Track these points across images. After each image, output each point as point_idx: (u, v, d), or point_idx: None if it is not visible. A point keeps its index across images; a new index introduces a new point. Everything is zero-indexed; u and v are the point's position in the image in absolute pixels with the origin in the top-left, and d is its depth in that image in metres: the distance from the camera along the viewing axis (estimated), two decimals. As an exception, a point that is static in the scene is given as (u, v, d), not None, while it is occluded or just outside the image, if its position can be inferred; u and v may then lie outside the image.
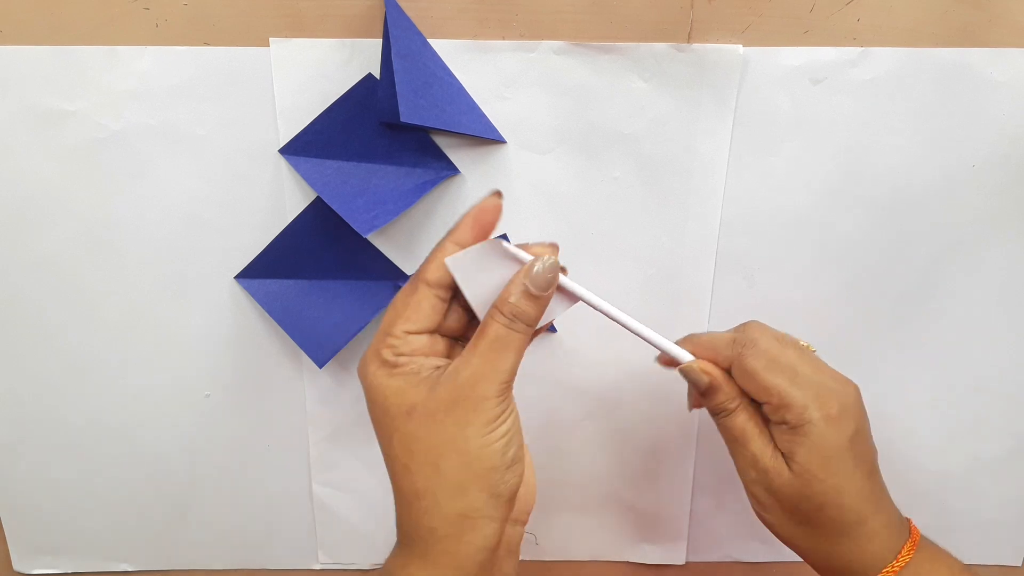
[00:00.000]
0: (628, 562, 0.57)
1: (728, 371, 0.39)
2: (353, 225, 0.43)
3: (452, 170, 0.46)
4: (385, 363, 0.34)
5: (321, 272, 0.48)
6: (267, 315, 0.49)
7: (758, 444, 0.39)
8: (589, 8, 0.43)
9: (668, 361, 0.40)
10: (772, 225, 0.48)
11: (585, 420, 0.52)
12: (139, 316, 0.49)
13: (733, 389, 0.39)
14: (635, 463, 0.53)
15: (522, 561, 0.54)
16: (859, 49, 0.44)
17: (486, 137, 0.45)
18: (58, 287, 0.48)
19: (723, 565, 0.57)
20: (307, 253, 0.48)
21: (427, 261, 0.34)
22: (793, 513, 0.39)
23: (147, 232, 0.47)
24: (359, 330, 0.48)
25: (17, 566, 0.56)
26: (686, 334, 0.41)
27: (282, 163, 0.46)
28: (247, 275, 0.48)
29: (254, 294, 0.48)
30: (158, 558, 0.56)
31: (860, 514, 0.38)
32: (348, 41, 0.43)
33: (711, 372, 0.39)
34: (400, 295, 0.35)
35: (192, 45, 0.43)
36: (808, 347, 0.40)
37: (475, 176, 0.46)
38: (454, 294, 0.35)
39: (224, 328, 0.50)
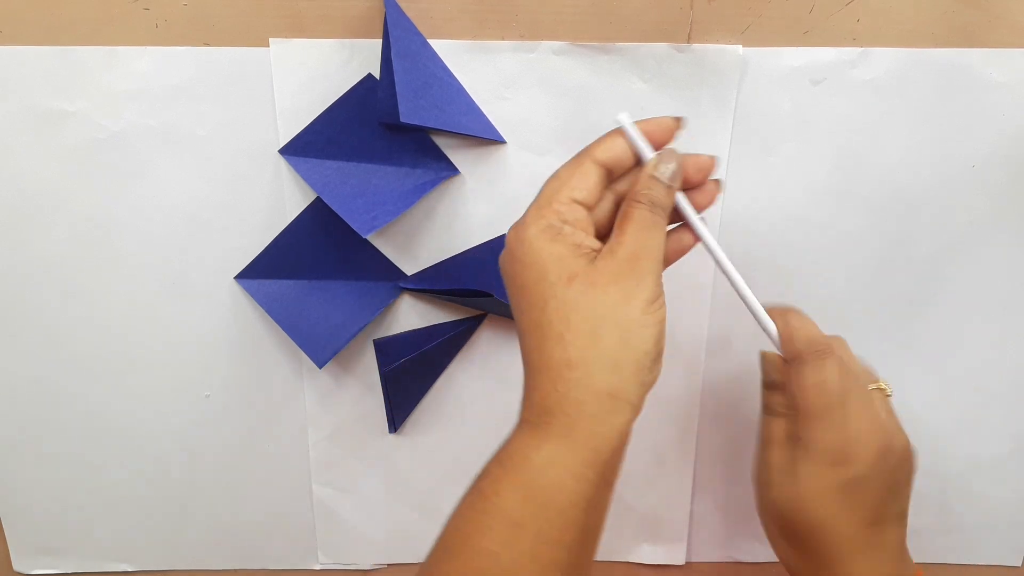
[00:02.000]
0: (628, 562, 0.57)
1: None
2: (353, 225, 0.43)
3: (452, 170, 0.46)
4: (549, 227, 0.33)
5: (321, 272, 0.48)
6: (267, 315, 0.49)
7: (778, 454, 0.39)
8: (589, 8, 0.43)
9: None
10: (772, 225, 0.48)
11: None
12: (139, 316, 0.49)
13: (790, 397, 0.39)
14: (635, 463, 0.53)
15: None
16: (859, 49, 0.44)
17: (486, 137, 0.45)
18: (58, 287, 0.48)
19: (723, 565, 0.57)
20: (307, 253, 0.48)
21: (597, 141, 0.36)
22: (785, 530, 0.39)
23: (147, 232, 0.47)
24: (359, 330, 0.48)
25: (17, 566, 0.56)
26: (786, 307, 0.41)
27: (282, 163, 0.46)
28: (247, 275, 0.48)
29: (254, 294, 0.48)
30: (158, 558, 0.56)
31: (841, 555, 0.37)
32: (348, 41, 0.43)
33: (780, 374, 0.39)
34: (564, 169, 0.35)
35: (192, 45, 0.44)
36: (885, 389, 0.40)
37: (475, 176, 0.46)
38: (609, 184, 0.36)
39: (224, 328, 0.50)
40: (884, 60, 0.44)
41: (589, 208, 0.35)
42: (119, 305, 0.49)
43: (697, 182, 0.37)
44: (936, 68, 0.44)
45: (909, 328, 0.50)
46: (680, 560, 0.56)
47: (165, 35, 0.43)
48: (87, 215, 0.47)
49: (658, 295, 0.33)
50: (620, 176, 0.36)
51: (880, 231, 0.48)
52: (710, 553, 0.57)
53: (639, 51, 0.44)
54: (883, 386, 0.40)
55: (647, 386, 0.34)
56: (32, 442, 0.52)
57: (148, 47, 0.43)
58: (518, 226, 0.34)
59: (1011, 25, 0.44)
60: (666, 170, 0.35)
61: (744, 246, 0.48)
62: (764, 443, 0.40)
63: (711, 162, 0.37)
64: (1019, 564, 0.57)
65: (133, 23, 0.43)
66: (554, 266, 0.33)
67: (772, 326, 0.40)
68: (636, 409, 0.33)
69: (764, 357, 0.41)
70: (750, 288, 0.39)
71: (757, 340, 0.51)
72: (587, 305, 0.32)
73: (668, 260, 0.38)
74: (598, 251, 0.34)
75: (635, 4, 0.43)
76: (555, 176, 0.35)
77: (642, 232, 0.33)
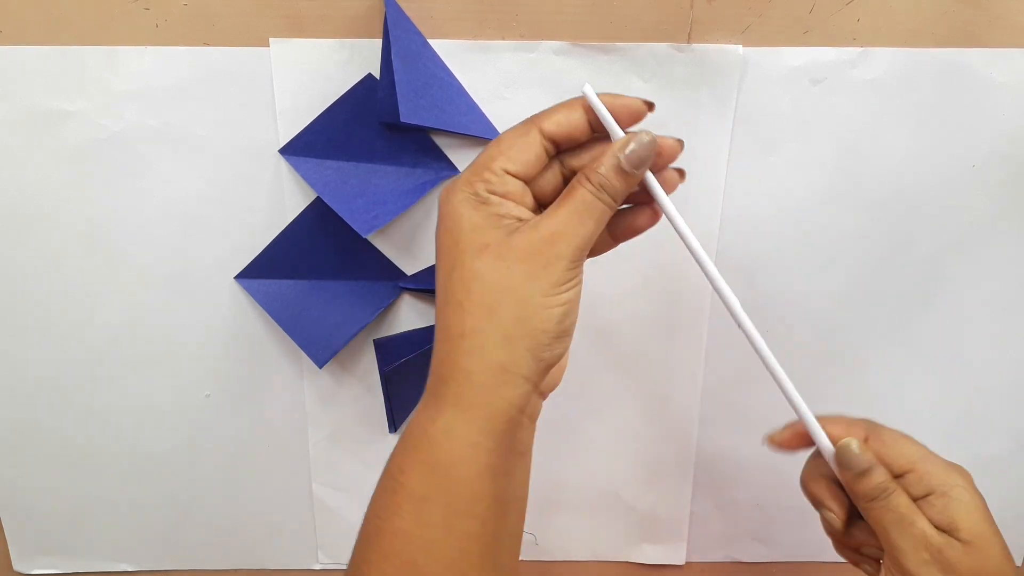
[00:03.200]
0: (628, 562, 0.57)
1: None
2: (353, 225, 0.43)
3: (452, 170, 0.46)
4: (475, 195, 0.32)
5: (321, 272, 0.48)
6: (267, 315, 0.49)
7: (924, 522, 0.35)
8: (589, 8, 0.43)
9: (789, 441, 0.38)
10: (772, 225, 0.48)
11: (585, 420, 0.52)
12: (139, 316, 0.49)
13: (885, 468, 0.36)
14: (635, 463, 0.53)
15: (522, 561, 0.54)
16: (859, 49, 0.44)
17: (486, 137, 0.45)
18: (58, 287, 0.48)
19: (723, 565, 0.57)
20: (307, 253, 0.48)
21: (549, 110, 0.34)
22: None
23: (147, 232, 0.47)
24: (359, 330, 0.48)
25: (17, 566, 0.56)
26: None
27: (282, 163, 0.46)
28: (247, 275, 0.48)
29: (254, 294, 0.48)
30: (158, 558, 0.56)
31: None
32: (348, 41, 0.43)
33: (870, 453, 0.36)
34: (507, 135, 0.34)
35: (192, 45, 0.43)
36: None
37: (475, 176, 0.46)
38: (556, 154, 0.34)
39: (224, 328, 0.50)
40: (884, 60, 0.44)
41: (525, 180, 0.34)
42: (119, 305, 0.49)
43: (658, 167, 0.35)
44: (936, 68, 0.44)
45: (909, 328, 0.50)
46: (680, 560, 0.56)
47: (165, 35, 0.43)
48: (87, 215, 0.47)
49: (568, 280, 0.32)
50: (571, 149, 0.35)
51: (880, 231, 0.48)
52: (710, 553, 0.57)
53: (639, 51, 0.44)
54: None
55: (546, 362, 0.33)
56: (32, 442, 0.52)
57: (148, 47, 0.43)
58: (448, 188, 0.33)
59: (1011, 25, 0.44)
60: (633, 155, 0.33)
61: (744, 246, 0.48)
62: (904, 522, 0.36)
63: (677, 147, 0.35)
64: (1019, 564, 0.57)
65: (133, 23, 0.43)
66: (469, 234, 0.32)
67: (822, 434, 0.37)
68: (533, 383, 0.33)
69: (845, 448, 0.36)
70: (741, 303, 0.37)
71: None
72: (491, 277, 0.32)
73: (618, 238, 0.37)
74: (522, 220, 0.33)
75: (635, 4, 0.43)
76: (496, 142, 0.34)
77: (574, 215, 0.32)
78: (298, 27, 0.43)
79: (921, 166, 0.46)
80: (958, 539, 0.35)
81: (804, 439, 0.38)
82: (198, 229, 0.47)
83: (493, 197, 0.33)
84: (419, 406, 0.34)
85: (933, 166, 0.46)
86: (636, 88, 0.45)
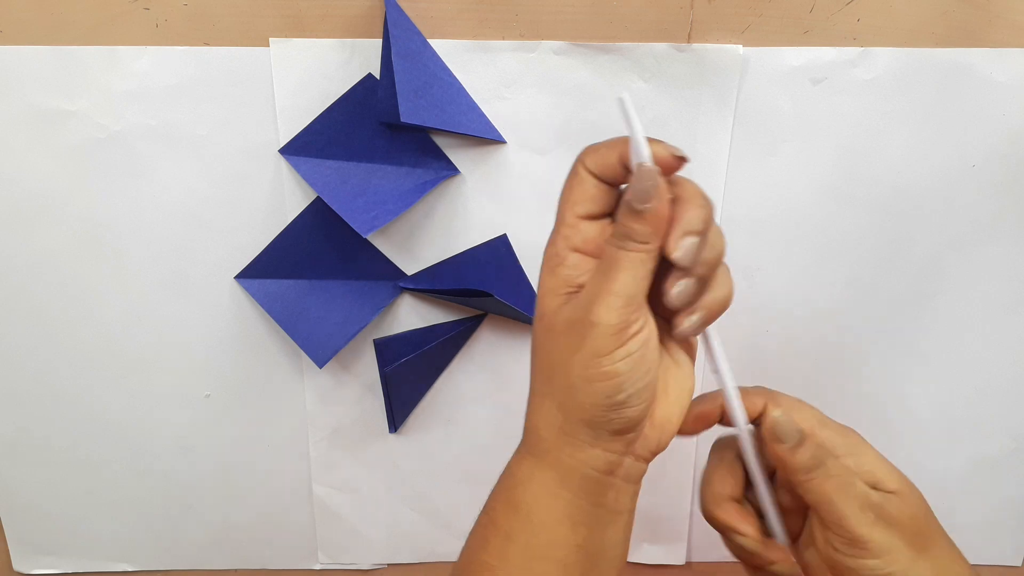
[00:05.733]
0: (628, 562, 0.57)
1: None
2: (353, 225, 0.43)
3: (452, 170, 0.46)
4: (555, 255, 0.32)
5: (321, 272, 0.48)
6: (267, 315, 0.49)
7: (860, 482, 0.34)
8: (589, 8, 0.43)
9: (691, 424, 0.35)
10: (772, 225, 0.48)
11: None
12: (139, 316, 0.49)
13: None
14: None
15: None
16: (859, 49, 0.44)
17: (486, 137, 0.45)
18: (58, 287, 0.48)
19: (723, 565, 0.57)
20: (307, 253, 0.48)
21: (592, 146, 0.32)
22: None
23: (147, 232, 0.47)
24: (359, 330, 0.48)
25: (17, 566, 0.56)
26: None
27: (282, 163, 0.46)
28: (247, 275, 0.48)
29: (254, 294, 0.48)
30: (158, 558, 0.56)
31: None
32: (348, 41, 0.43)
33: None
34: (566, 181, 0.32)
35: (192, 45, 0.44)
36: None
37: (475, 176, 0.46)
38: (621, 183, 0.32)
39: (224, 328, 0.50)
40: (884, 60, 0.44)
41: (599, 215, 0.32)
42: (119, 305, 0.49)
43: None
44: (936, 68, 0.44)
45: (909, 328, 0.50)
46: (680, 560, 0.56)
47: (165, 35, 0.43)
48: (87, 215, 0.47)
49: (611, 348, 0.29)
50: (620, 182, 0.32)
51: (880, 231, 0.48)
52: (710, 553, 0.57)
53: (639, 51, 0.44)
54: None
55: (613, 429, 0.31)
56: (32, 442, 0.52)
57: (148, 47, 0.43)
58: (548, 242, 0.33)
59: (1011, 25, 0.44)
60: (636, 191, 0.30)
61: (744, 246, 0.48)
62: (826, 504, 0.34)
63: (677, 163, 0.31)
64: (1019, 564, 0.57)
65: (133, 23, 0.43)
66: (542, 299, 0.32)
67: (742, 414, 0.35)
68: (604, 448, 0.31)
69: (778, 421, 0.34)
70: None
71: (757, 339, 0.51)
72: (544, 348, 0.32)
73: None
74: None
75: (635, 4, 0.43)
76: (561, 195, 0.32)
77: (604, 275, 0.30)
78: (298, 27, 0.43)
79: (921, 166, 0.46)
80: (888, 491, 0.34)
81: (705, 421, 0.36)
82: (198, 229, 0.47)
83: (571, 255, 0.31)
84: (514, 454, 0.34)
85: (933, 166, 0.46)
86: (636, 88, 0.45)
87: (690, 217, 0.30)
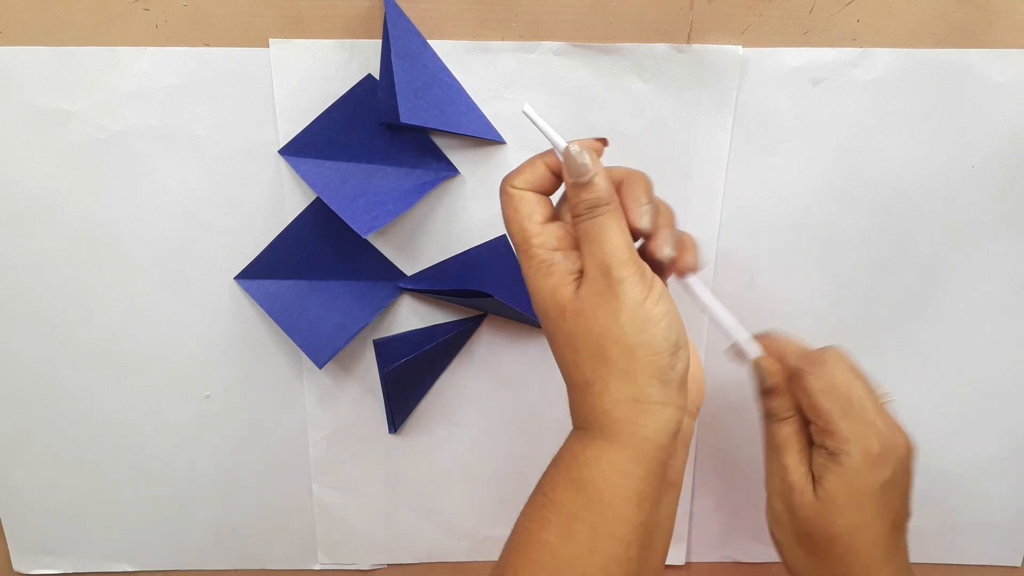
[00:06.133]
0: (628, 562, 0.57)
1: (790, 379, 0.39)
2: (353, 226, 0.43)
3: (452, 171, 0.46)
4: (541, 264, 0.34)
5: (321, 272, 0.48)
6: (267, 315, 0.49)
7: (794, 458, 0.39)
8: (589, 9, 0.43)
9: (739, 353, 0.40)
10: (772, 225, 0.48)
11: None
12: (139, 316, 0.49)
13: (791, 399, 0.39)
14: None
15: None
16: (859, 50, 0.44)
17: (486, 138, 0.45)
18: (58, 287, 0.48)
19: (723, 565, 0.57)
20: (307, 253, 0.48)
21: (512, 172, 0.36)
22: (804, 538, 0.38)
23: (147, 232, 0.47)
24: (359, 330, 0.48)
25: (17, 566, 0.56)
26: (765, 330, 0.41)
27: (282, 163, 0.46)
28: (247, 275, 0.48)
29: (254, 294, 0.48)
30: (158, 558, 0.56)
31: (870, 560, 0.37)
32: (348, 42, 0.43)
33: (777, 376, 0.39)
34: (504, 207, 0.36)
35: (192, 46, 0.44)
36: (885, 394, 0.39)
37: (475, 177, 0.46)
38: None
39: (224, 328, 0.50)
40: (884, 60, 0.44)
41: (557, 218, 0.35)
42: (119, 305, 0.49)
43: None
44: (936, 68, 0.44)
45: (909, 328, 0.50)
46: (680, 560, 0.56)
47: (165, 35, 0.43)
48: (87, 215, 0.47)
49: (643, 294, 0.33)
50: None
51: (880, 231, 0.48)
52: (710, 553, 0.57)
53: (639, 51, 0.44)
54: (886, 390, 0.40)
55: (675, 381, 0.33)
56: (32, 442, 0.52)
57: (148, 47, 0.43)
58: (522, 271, 0.35)
59: (1011, 25, 0.43)
60: (569, 168, 0.34)
61: (744, 246, 0.48)
62: (776, 450, 0.39)
63: (600, 146, 0.36)
64: (1019, 564, 0.57)
65: (133, 23, 0.43)
66: (548, 302, 0.34)
67: (755, 347, 0.40)
68: (674, 406, 0.33)
69: (758, 365, 0.40)
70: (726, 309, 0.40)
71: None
72: (583, 332, 0.33)
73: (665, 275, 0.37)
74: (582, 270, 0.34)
75: (635, 4, 0.43)
76: (506, 219, 0.35)
77: (595, 243, 0.33)
78: (298, 27, 0.43)
79: (921, 166, 0.46)
80: (815, 492, 0.38)
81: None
82: (198, 229, 0.47)
83: (557, 255, 0.34)
84: (568, 438, 0.35)
85: (933, 166, 0.46)
86: (636, 88, 0.45)
87: (636, 193, 0.34)
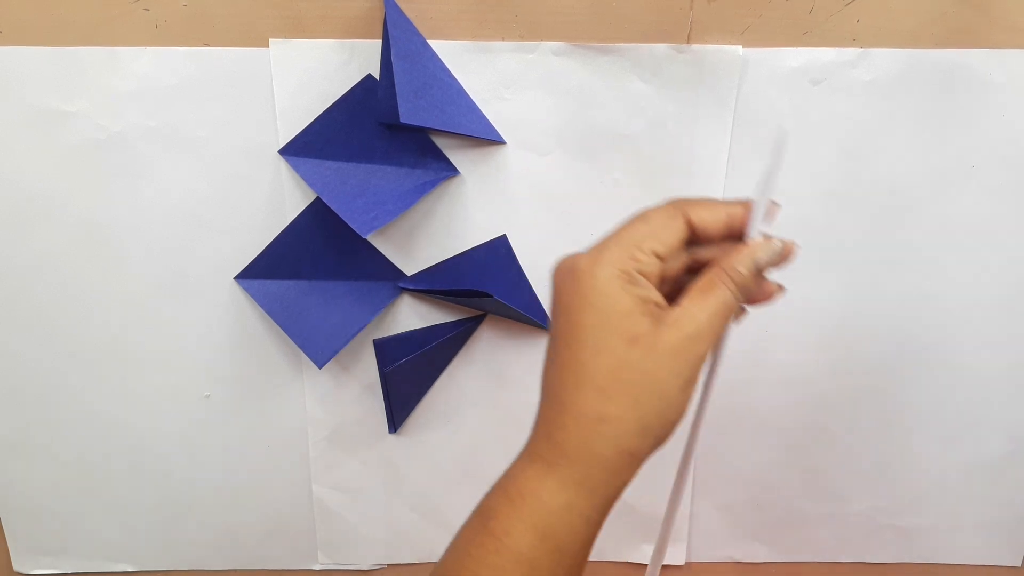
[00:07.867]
0: (628, 562, 0.57)
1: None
2: (352, 226, 0.43)
3: (452, 171, 0.46)
4: (626, 274, 0.31)
5: (321, 272, 0.48)
6: (267, 315, 0.49)
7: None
8: (589, 9, 0.43)
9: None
10: (772, 225, 0.48)
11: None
12: (139, 316, 0.49)
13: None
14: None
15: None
16: (859, 50, 0.44)
17: (486, 138, 0.45)
18: (58, 287, 0.48)
19: (723, 565, 0.57)
20: (307, 253, 0.48)
21: (696, 201, 0.33)
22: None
23: (147, 232, 0.47)
24: (359, 330, 0.48)
25: (17, 566, 0.56)
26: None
27: (282, 163, 0.46)
28: (247, 275, 0.48)
29: (254, 294, 0.48)
30: (158, 558, 0.56)
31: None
32: (348, 42, 0.43)
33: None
34: (654, 214, 0.33)
35: (192, 46, 0.44)
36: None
37: (475, 177, 0.46)
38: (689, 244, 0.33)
39: (224, 328, 0.50)
40: (884, 60, 0.44)
41: (664, 261, 0.33)
42: (119, 305, 0.49)
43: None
44: (936, 68, 0.44)
45: (909, 328, 0.50)
46: (680, 560, 0.56)
47: (165, 35, 0.43)
48: (87, 215, 0.47)
49: (699, 378, 0.32)
50: (701, 242, 0.34)
51: (880, 231, 0.48)
52: (710, 553, 0.57)
53: (639, 51, 0.44)
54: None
55: (668, 439, 0.33)
56: (32, 442, 0.52)
57: (148, 47, 0.43)
58: (594, 258, 0.32)
59: (1011, 25, 0.43)
60: (770, 259, 0.33)
61: (744, 246, 0.48)
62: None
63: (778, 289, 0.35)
64: (1019, 564, 0.57)
65: (133, 23, 0.43)
66: (619, 319, 0.31)
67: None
68: (646, 460, 0.33)
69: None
70: None
71: (757, 338, 0.51)
72: (640, 369, 0.31)
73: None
74: (661, 307, 0.32)
75: (635, 4, 0.43)
76: (644, 219, 0.32)
77: (715, 316, 0.32)
78: (298, 27, 0.43)
79: (921, 166, 0.46)
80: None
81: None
82: (198, 229, 0.47)
83: (642, 279, 0.32)
84: (526, 465, 0.33)
85: (933, 166, 0.46)
86: (636, 88, 0.45)
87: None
